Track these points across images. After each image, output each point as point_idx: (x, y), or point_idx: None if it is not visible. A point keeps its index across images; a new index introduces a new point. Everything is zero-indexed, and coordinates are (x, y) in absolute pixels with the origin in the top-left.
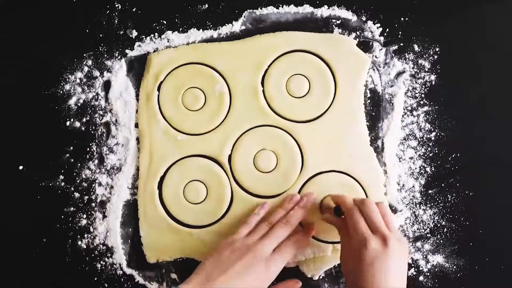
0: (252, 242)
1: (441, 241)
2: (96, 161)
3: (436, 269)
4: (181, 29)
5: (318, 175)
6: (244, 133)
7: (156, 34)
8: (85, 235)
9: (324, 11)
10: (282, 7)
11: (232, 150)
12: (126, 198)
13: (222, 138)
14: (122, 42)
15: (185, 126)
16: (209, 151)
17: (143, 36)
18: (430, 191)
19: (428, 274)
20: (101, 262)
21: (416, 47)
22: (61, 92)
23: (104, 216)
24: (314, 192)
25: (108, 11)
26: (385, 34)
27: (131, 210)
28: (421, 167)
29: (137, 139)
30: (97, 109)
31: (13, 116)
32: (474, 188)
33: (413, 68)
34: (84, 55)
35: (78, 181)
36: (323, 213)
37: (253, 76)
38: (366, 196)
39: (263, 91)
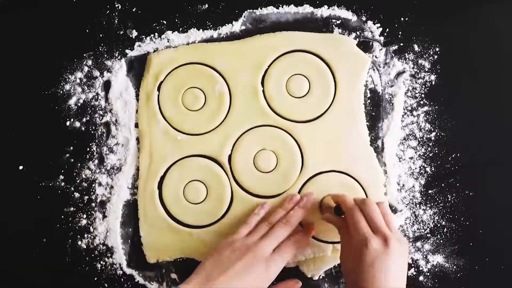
0: (252, 242)
1: (441, 241)
2: (96, 161)
3: (436, 269)
4: (181, 29)
5: (318, 175)
6: (244, 133)
7: (156, 34)
8: (85, 235)
9: (324, 11)
10: (282, 7)
11: (232, 150)
12: (126, 198)
13: (222, 138)
14: (122, 42)
15: (185, 126)
16: (209, 151)
17: (143, 36)
18: (430, 191)
19: (428, 274)
20: (101, 262)
21: (416, 47)
22: (61, 92)
23: (104, 216)
24: (314, 192)
25: (108, 11)
26: (385, 34)
27: (131, 210)
28: (421, 167)
29: (137, 139)
30: (97, 109)
31: (13, 116)
32: (474, 188)
33: (413, 68)
34: (84, 55)
35: (78, 181)
36: (323, 213)
37: (253, 76)
38: (366, 196)
39: (263, 91)
